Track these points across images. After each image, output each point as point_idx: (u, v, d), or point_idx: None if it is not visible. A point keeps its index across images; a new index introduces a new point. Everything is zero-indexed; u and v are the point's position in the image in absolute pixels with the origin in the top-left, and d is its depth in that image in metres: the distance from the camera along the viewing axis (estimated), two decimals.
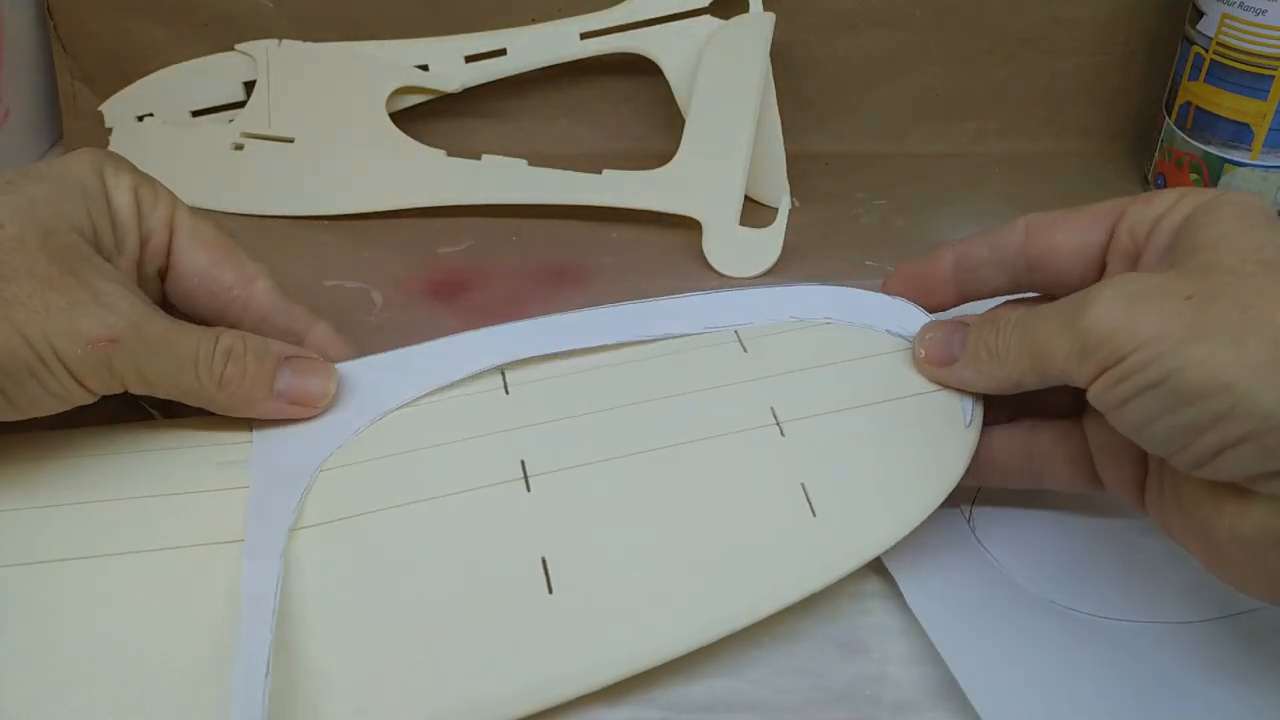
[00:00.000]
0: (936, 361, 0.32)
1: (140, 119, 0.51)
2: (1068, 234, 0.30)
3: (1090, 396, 0.26)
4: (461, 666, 0.27)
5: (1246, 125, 0.45)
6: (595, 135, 0.54)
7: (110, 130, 0.51)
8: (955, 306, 0.34)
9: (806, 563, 0.29)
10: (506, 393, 0.32)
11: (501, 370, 0.33)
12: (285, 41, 0.51)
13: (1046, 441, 0.31)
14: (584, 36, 0.50)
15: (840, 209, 0.50)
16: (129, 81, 0.51)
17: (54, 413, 0.28)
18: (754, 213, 0.48)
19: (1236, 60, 0.44)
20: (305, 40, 0.51)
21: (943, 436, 0.31)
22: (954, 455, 0.31)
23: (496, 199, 0.48)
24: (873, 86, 0.53)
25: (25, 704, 0.25)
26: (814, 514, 0.30)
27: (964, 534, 0.33)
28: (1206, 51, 0.45)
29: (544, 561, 0.28)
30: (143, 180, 0.31)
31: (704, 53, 0.48)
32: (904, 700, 0.28)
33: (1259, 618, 0.30)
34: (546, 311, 0.35)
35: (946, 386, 0.32)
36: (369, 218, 0.49)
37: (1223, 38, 0.44)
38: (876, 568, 0.32)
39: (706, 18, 0.49)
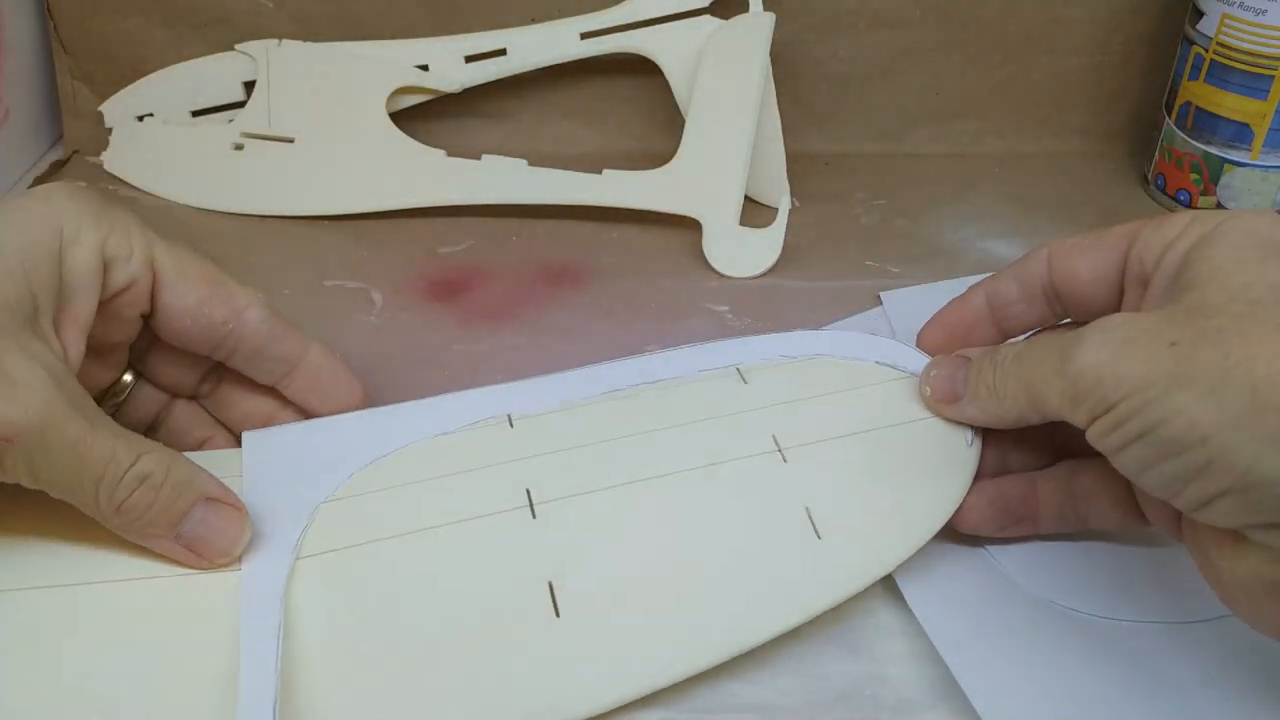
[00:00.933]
0: (942, 399, 0.32)
1: (140, 119, 0.51)
2: (1086, 261, 0.30)
3: (1089, 439, 0.26)
4: (470, 692, 0.27)
5: (1246, 125, 0.45)
6: (595, 135, 0.54)
7: (110, 130, 0.51)
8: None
9: (812, 584, 0.29)
10: (511, 426, 0.32)
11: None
12: (285, 41, 0.51)
13: (1089, 482, 0.31)
14: (584, 36, 0.50)
15: (840, 209, 0.50)
16: (129, 81, 0.51)
17: None
18: (754, 213, 0.48)
19: (1236, 60, 0.44)
20: (305, 40, 0.51)
21: (945, 458, 0.31)
22: (957, 476, 0.31)
23: (496, 199, 0.48)
24: (873, 86, 0.53)
25: None
26: (818, 536, 0.30)
27: (964, 534, 0.33)
28: (1206, 51, 0.45)
29: (550, 586, 0.28)
30: (113, 228, 0.29)
31: (704, 53, 0.48)
32: (904, 700, 0.28)
33: None
34: (546, 311, 0.35)
35: (951, 420, 0.32)
36: (369, 218, 0.49)
37: (1223, 38, 0.44)
38: None
39: (706, 18, 0.49)
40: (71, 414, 0.26)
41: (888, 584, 0.31)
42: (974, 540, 0.32)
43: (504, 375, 0.35)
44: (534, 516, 0.30)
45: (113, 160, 0.51)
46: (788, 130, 0.49)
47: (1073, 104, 0.53)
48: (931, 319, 0.34)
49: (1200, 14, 0.45)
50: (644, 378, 0.34)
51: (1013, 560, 0.32)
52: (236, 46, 0.51)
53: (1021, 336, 0.33)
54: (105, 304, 0.29)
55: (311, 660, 0.27)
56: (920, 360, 0.34)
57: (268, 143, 0.50)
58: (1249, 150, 0.45)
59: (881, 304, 0.43)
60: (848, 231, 0.48)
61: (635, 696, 0.27)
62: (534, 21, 0.51)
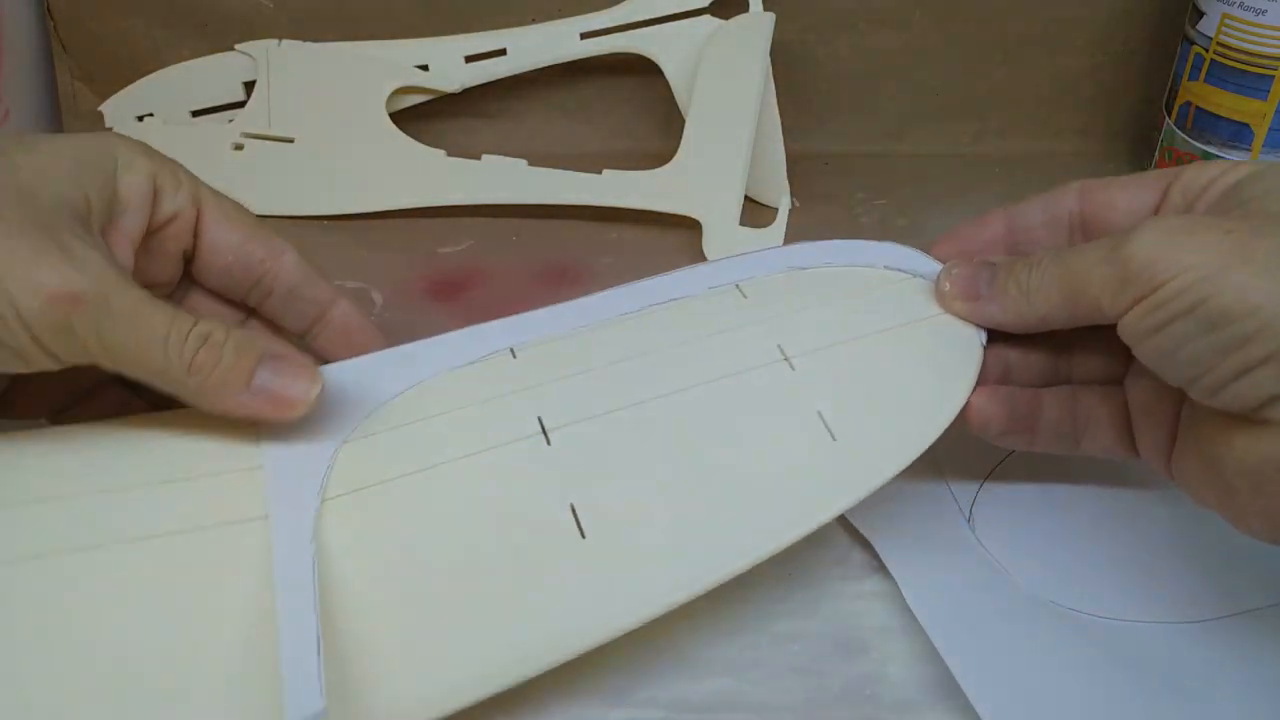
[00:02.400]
0: (962, 295, 0.32)
1: (140, 119, 0.51)
2: (1125, 195, 0.31)
3: (1121, 327, 0.27)
4: (504, 619, 0.27)
5: (1246, 125, 0.45)
6: (595, 135, 0.54)
7: (110, 130, 0.51)
8: None
9: (831, 485, 0.29)
10: (514, 357, 0.32)
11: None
12: (285, 41, 0.51)
13: (1091, 404, 0.32)
14: (584, 36, 0.50)
15: (840, 209, 0.50)
16: (129, 81, 0.51)
17: (20, 371, 0.27)
18: (754, 213, 0.48)
19: (1236, 60, 0.44)
20: (305, 40, 0.51)
21: (953, 356, 0.31)
22: (964, 374, 0.31)
23: (496, 199, 0.48)
24: (873, 86, 0.53)
25: (57, 699, 0.25)
26: (833, 438, 0.30)
27: (964, 534, 0.33)
28: (1206, 51, 0.45)
29: (573, 508, 0.28)
30: (162, 165, 0.31)
31: (704, 53, 0.48)
32: (904, 700, 0.28)
33: (1259, 618, 0.30)
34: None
35: (966, 319, 0.32)
36: (369, 218, 0.49)
37: (1223, 38, 0.44)
38: (877, 567, 0.32)
39: (706, 18, 0.49)
40: (130, 285, 0.27)
41: (888, 584, 0.31)
42: (973, 539, 0.32)
43: None
44: (549, 443, 0.29)
45: None
46: (788, 130, 0.49)
47: (1073, 104, 0.53)
48: (945, 234, 0.34)
49: (1200, 14, 0.45)
50: (646, 302, 0.34)
51: (1013, 560, 0.32)
52: (236, 46, 0.51)
53: None
54: (151, 235, 0.30)
55: (345, 600, 0.27)
56: (931, 265, 0.34)
57: (268, 143, 0.50)
58: (1249, 150, 0.45)
59: None
60: (848, 231, 0.48)
61: (667, 609, 0.27)
62: (534, 21, 0.51)
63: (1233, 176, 0.28)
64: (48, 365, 0.27)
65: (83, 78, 0.53)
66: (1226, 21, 0.44)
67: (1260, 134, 0.45)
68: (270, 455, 0.29)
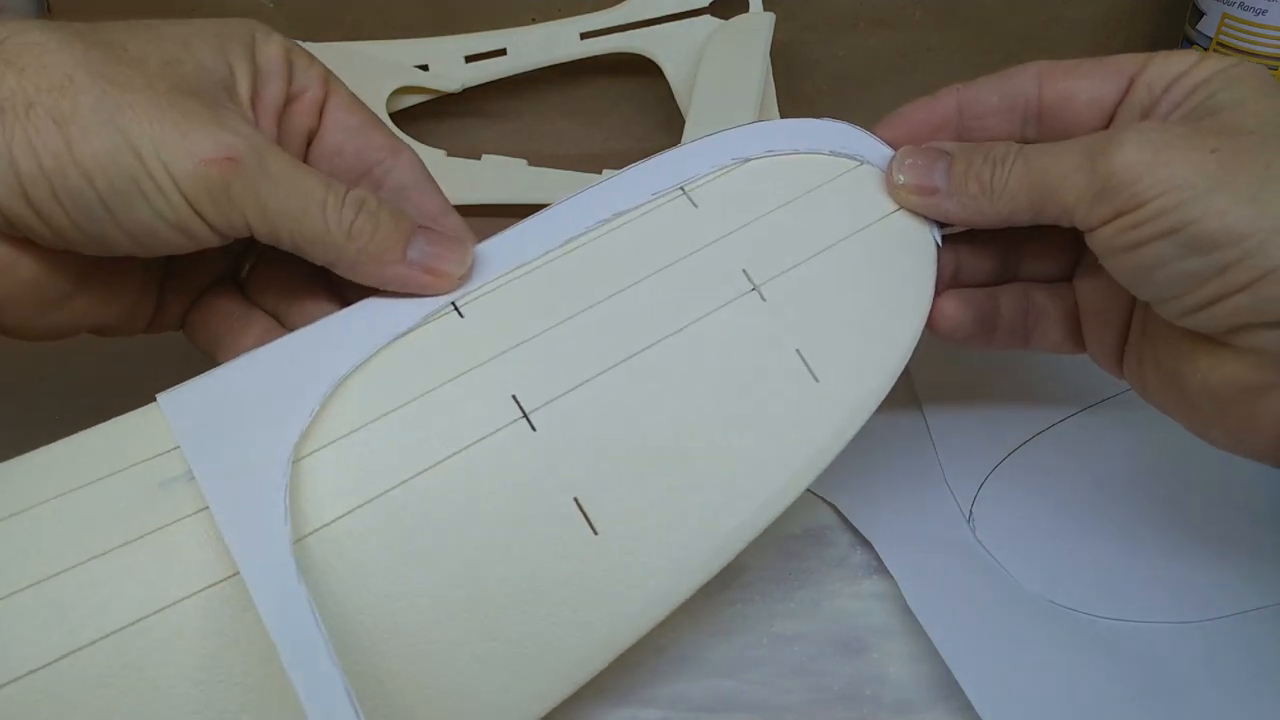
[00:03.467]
0: (918, 190, 0.30)
1: None
2: (1085, 84, 0.30)
3: (1094, 238, 0.27)
4: (533, 637, 0.25)
5: None
6: (595, 135, 0.54)
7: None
8: None
9: (823, 431, 0.28)
10: (461, 316, 0.28)
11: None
12: None
13: (1041, 301, 0.32)
14: (584, 36, 0.50)
15: None
16: None
17: (177, 251, 0.26)
18: None
19: None
20: (305, 40, 0.51)
21: (913, 258, 0.31)
22: (925, 276, 0.30)
23: (496, 199, 0.48)
24: (873, 86, 0.53)
25: None
26: (816, 379, 0.29)
27: (964, 534, 0.33)
28: (1206, 51, 0.45)
29: (578, 502, 0.26)
30: (295, 45, 0.30)
31: (704, 53, 0.48)
32: (904, 700, 0.28)
33: (1259, 618, 0.30)
34: None
35: (922, 215, 0.31)
36: None
37: (1223, 38, 0.44)
38: (877, 567, 0.32)
39: (706, 18, 0.49)
40: (280, 150, 0.26)
41: (888, 584, 0.31)
42: (973, 538, 0.32)
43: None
44: (534, 429, 0.27)
45: None
46: None
47: None
48: (893, 115, 0.32)
49: (1200, 14, 0.45)
50: (592, 217, 0.30)
51: (1013, 560, 0.32)
52: None
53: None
54: (284, 109, 0.29)
55: (356, 640, 0.24)
56: (877, 148, 0.32)
57: None
58: None
59: None
60: None
61: (693, 591, 0.27)
62: (534, 21, 0.51)
63: (1201, 73, 0.28)
64: (205, 237, 0.26)
65: None
66: (1226, 21, 0.44)
67: None
68: (213, 492, 0.24)
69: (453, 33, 0.50)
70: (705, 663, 0.29)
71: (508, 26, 0.51)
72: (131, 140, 0.24)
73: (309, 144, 0.31)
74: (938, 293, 0.31)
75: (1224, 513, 0.33)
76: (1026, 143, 0.30)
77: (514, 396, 0.27)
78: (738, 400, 0.28)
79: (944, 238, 0.31)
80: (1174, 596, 0.31)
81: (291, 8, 0.51)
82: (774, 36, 0.47)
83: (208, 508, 0.23)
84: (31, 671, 0.22)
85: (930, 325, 0.31)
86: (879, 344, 0.29)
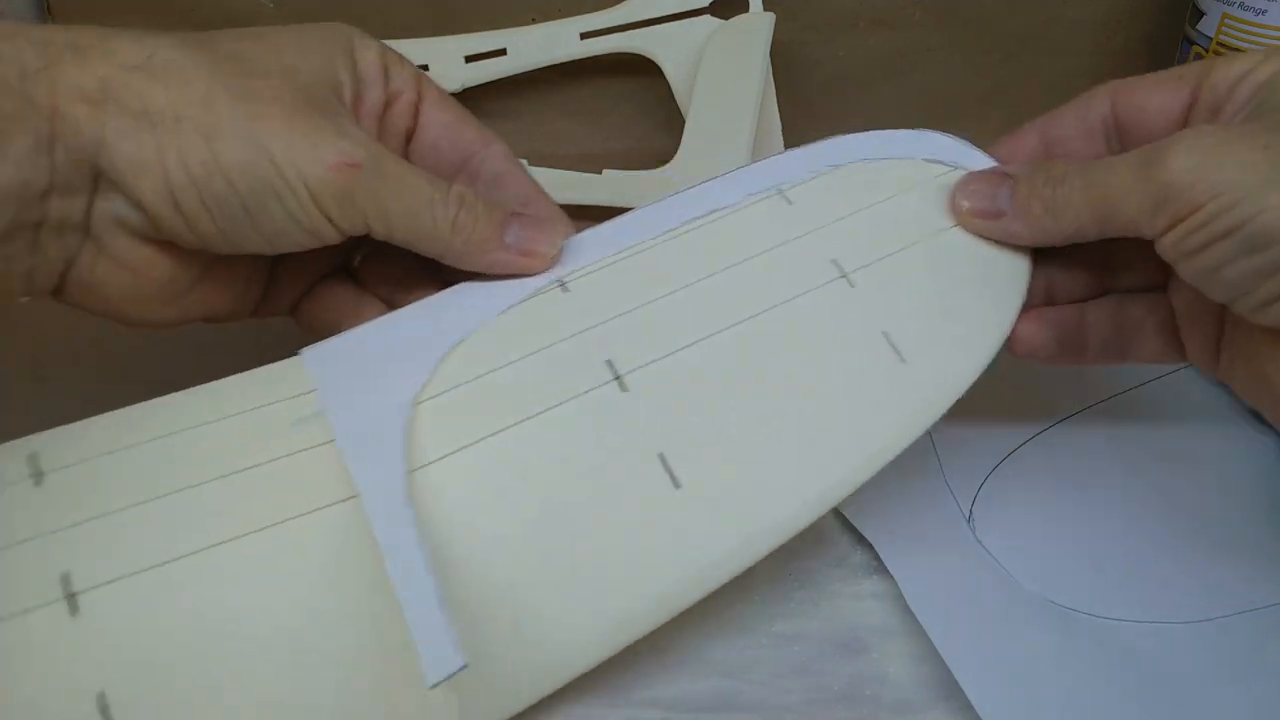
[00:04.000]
0: (982, 214, 0.31)
1: None
2: (1154, 95, 0.30)
3: (1161, 246, 0.27)
4: (610, 574, 0.27)
5: None
6: (595, 135, 0.54)
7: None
8: None
9: (908, 409, 0.29)
10: (565, 291, 0.31)
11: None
12: None
13: (1137, 313, 0.32)
14: (584, 36, 0.50)
15: None
16: None
17: (302, 249, 0.29)
18: None
19: None
20: None
21: (1003, 260, 0.31)
22: (1016, 275, 0.31)
23: None
24: (873, 86, 0.53)
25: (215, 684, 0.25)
26: (902, 360, 0.30)
27: (964, 534, 0.33)
28: (1206, 51, 0.45)
29: (662, 458, 0.28)
30: (388, 50, 0.32)
31: (704, 53, 0.48)
32: (904, 700, 0.28)
33: (1259, 617, 0.30)
34: None
35: (992, 239, 0.31)
36: None
37: (1223, 38, 0.44)
38: (877, 567, 0.32)
39: (706, 18, 0.49)
40: (391, 154, 0.29)
41: (888, 584, 0.31)
42: (973, 538, 0.32)
43: None
44: (624, 390, 0.29)
45: None
46: (788, 130, 0.49)
47: None
48: (987, 152, 0.33)
49: (1200, 14, 0.45)
50: (691, 213, 0.33)
51: (1013, 559, 0.32)
52: None
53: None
54: (384, 112, 0.32)
55: (451, 569, 0.26)
56: (974, 156, 0.33)
57: None
58: None
59: None
60: None
61: (769, 551, 0.28)
62: (534, 21, 0.51)
63: (1263, 72, 0.28)
64: (329, 235, 0.28)
65: None
66: (1226, 21, 0.44)
67: None
68: (341, 428, 0.28)
69: (453, 33, 0.50)
70: (705, 663, 0.29)
71: (508, 26, 0.50)
72: (268, 149, 0.26)
73: (408, 142, 0.33)
74: (1025, 310, 0.31)
75: (1224, 513, 0.34)
76: None
77: (608, 361, 0.29)
78: (822, 374, 0.29)
79: (1034, 256, 0.31)
80: (1174, 596, 0.31)
81: (291, 8, 0.51)
82: (774, 36, 0.47)
83: (334, 441, 0.27)
84: (190, 554, 0.26)
85: (1010, 347, 0.31)
86: (967, 335, 0.30)
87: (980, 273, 0.31)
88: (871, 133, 0.34)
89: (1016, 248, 0.31)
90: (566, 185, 0.48)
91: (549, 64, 0.50)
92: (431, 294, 0.31)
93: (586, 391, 0.29)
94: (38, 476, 0.27)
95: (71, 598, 0.25)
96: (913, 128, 0.53)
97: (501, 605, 0.27)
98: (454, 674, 0.23)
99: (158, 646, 0.25)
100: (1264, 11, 0.42)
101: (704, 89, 0.47)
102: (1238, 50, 0.44)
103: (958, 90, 0.53)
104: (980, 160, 0.33)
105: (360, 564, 0.26)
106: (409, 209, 0.29)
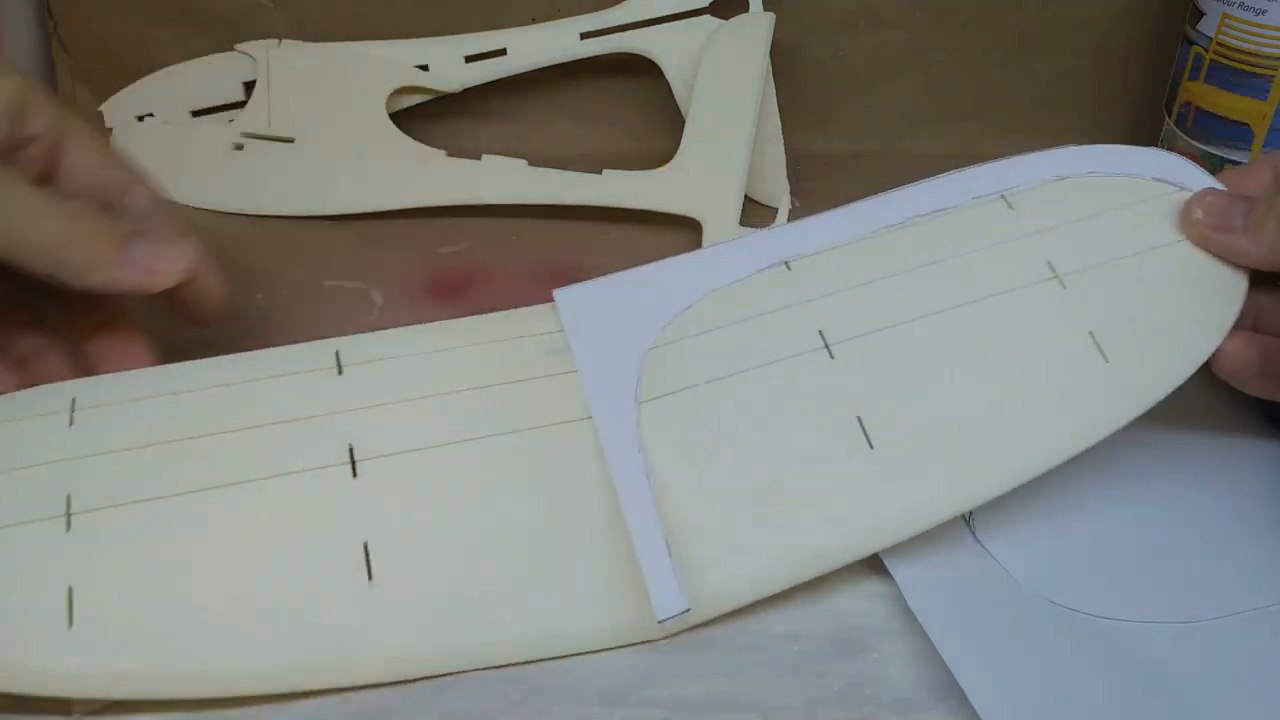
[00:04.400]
0: (1215, 227, 0.31)
1: (140, 119, 0.51)
2: None
3: None
4: (802, 519, 0.30)
5: (1246, 125, 0.45)
6: (595, 135, 0.54)
7: (110, 130, 0.51)
8: None
9: (1103, 406, 0.31)
10: (788, 269, 0.34)
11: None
12: (285, 41, 0.51)
13: None
14: (584, 36, 0.50)
15: None
16: (129, 81, 0.51)
17: None
18: (754, 213, 0.48)
19: (1236, 60, 0.44)
20: (305, 40, 0.51)
21: (1220, 278, 0.32)
22: (1231, 294, 0.32)
23: (496, 199, 0.48)
24: (873, 86, 0.53)
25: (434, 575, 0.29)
26: (1105, 359, 0.31)
27: (964, 534, 0.33)
28: (1206, 51, 0.45)
29: (859, 421, 0.31)
30: (32, 88, 0.31)
31: (704, 53, 0.48)
32: (904, 700, 0.28)
33: (1258, 618, 0.30)
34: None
35: (1217, 254, 0.31)
36: (369, 218, 0.49)
37: (1223, 38, 0.44)
38: (877, 568, 0.32)
39: (706, 18, 0.49)
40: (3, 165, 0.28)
41: (888, 584, 0.31)
42: (973, 538, 0.32)
43: None
44: (832, 357, 0.32)
45: None
46: (788, 130, 0.49)
47: (1073, 104, 0.53)
48: (1207, 189, 0.33)
49: (1200, 14, 0.45)
50: (912, 210, 0.35)
51: (1013, 559, 0.32)
52: (236, 46, 0.51)
53: None
54: (8, 152, 0.30)
55: (669, 498, 0.30)
56: (1201, 178, 0.33)
57: (268, 143, 0.50)
58: (1249, 150, 0.45)
59: None
60: None
61: (950, 517, 0.30)
62: (534, 21, 0.51)
63: None
64: None
65: (83, 78, 0.53)
66: (1226, 21, 0.44)
67: (1260, 134, 0.44)
68: (583, 360, 0.32)
69: (453, 33, 0.50)
70: (705, 663, 0.29)
71: (508, 26, 0.51)
72: None
73: (43, 184, 0.31)
74: (1233, 331, 0.31)
75: (1224, 513, 0.33)
76: None
77: (820, 331, 0.32)
78: (1022, 362, 0.31)
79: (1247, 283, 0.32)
80: (1174, 596, 0.31)
81: (291, 8, 0.51)
82: (774, 36, 0.47)
83: (575, 371, 0.32)
84: (448, 443, 0.31)
85: (1214, 362, 0.31)
86: (1173, 345, 0.31)
87: (1196, 288, 0.32)
88: (1103, 146, 0.36)
89: (1235, 268, 0.32)
90: (566, 185, 0.48)
91: (549, 64, 0.50)
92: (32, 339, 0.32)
93: (796, 355, 0.32)
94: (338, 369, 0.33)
95: (353, 464, 0.30)
96: (912, 127, 0.54)
97: (707, 529, 0.30)
98: (679, 615, 0.28)
99: (418, 508, 0.30)
100: (1264, 11, 0.42)
101: (704, 89, 0.47)
102: (1237, 51, 0.44)
103: (958, 90, 0.53)
104: (1210, 183, 0.33)
105: (588, 473, 0.31)
106: (19, 220, 0.28)
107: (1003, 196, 0.35)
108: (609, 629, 0.29)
